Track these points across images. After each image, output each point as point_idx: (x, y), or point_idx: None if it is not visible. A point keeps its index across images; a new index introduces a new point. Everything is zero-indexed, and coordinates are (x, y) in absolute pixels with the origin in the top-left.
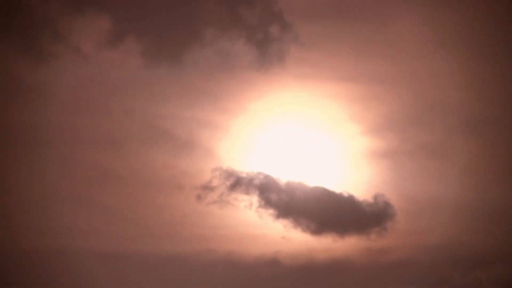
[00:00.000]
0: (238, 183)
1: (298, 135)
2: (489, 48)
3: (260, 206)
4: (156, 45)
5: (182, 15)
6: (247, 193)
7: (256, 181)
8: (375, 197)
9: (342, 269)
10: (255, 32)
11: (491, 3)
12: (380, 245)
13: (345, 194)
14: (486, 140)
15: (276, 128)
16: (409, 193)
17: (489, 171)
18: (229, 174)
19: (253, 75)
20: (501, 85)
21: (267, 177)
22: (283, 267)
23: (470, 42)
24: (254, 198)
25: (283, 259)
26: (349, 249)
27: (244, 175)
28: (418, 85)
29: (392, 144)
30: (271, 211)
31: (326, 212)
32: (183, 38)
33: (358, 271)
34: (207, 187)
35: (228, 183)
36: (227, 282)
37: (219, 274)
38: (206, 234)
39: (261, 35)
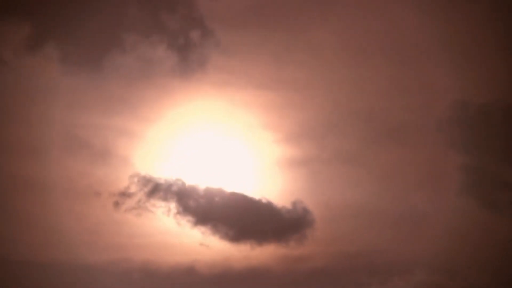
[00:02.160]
0: (156, 189)
1: (216, 143)
2: (408, 54)
3: (178, 212)
4: (76, 51)
5: (102, 21)
6: (165, 199)
7: (174, 188)
8: (294, 203)
9: (260, 277)
10: (176, 37)
11: (409, 10)
12: (298, 252)
13: (264, 201)
14: (404, 147)
15: (194, 135)
16: (327, 200)
17: (406, 178)
18: (147, 180)
19: (173, 82)
20: (419, 93)
21: (185, 183)
22: (200, 276)
23: (388, 49)
24: (172, 205)
25: (200, 268)
26: (267, 257)
27: (162, 181)
28: (335, 92)
29: (309, 152)
30: (189, 217)
31: (245, 218)
32: (103, 44)
33: (276, 279)
34: (125, 194)
35: (146, 189)
36: None
37: (135, 283)
38: (123, 243)
39: (182, 41)
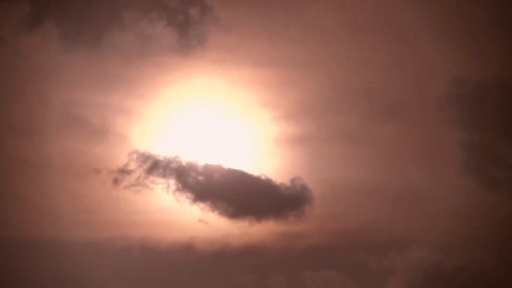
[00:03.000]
0: (155, 166)
1: (215, 120)
2: (406, 32)
3: (177, 189)
4: (75, 28)
5: None
6: (165, 176)
7: (174, 164)
8: (293, 180)
9: (258, 254)
10: (175, 14)
11: None
12: (296, 229)
13: (263, 177)
14: (403, 125)
15: (192, 113)
16: (326, 178)
17: (405, 156)
18: (146, 157)
19: (172, 59)
20: (418, 70)
21: (184, 160)
22: (198, 253)
23: (387, 26)
24: (171, 181)
25: (198, 245)
26: (265, 234)
27: (161, 158)
28: (334, 70)
29: (309, 130)
30: (188, 194)
31: (244, 195)
32: (102, 21)
33: (274, 256)
34: (124, 171)
35: (145, 166)
36: (142, 268)
37: (133, 260)
38: (121, 220)
39: (181, 18)
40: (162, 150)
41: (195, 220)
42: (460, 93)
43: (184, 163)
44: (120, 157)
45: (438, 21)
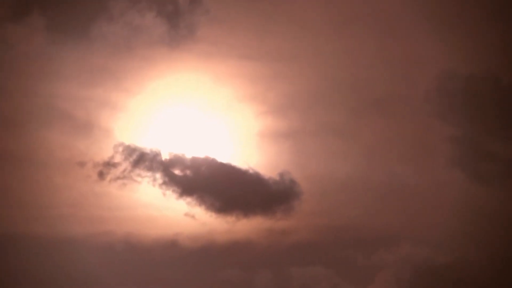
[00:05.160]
0: (141, 159)
1: (201, 114)
2: (394, 24)
3: (163, 183)
4: (62, 18)
5: None
6: (151, 169)
7: (160, 157)
8: (281, 174)
9: (243, 249)
10: (165, 4)
11: None
12: (283, 225)
13: (251, 171)
14: (391, 119)
15: (178, 106)
16: (313, 173)
17: (393, 150)
18: (132, 150)
19: (159, 51)
20: (406, 63)
21: (171, 153)
22: (182, 249)
23: (375, 19)
24: (158, 175)
25: (183, 241)
26: (250, 231)
27: (147, 151)
28: (322, 63)
29: (296, 124)
30: (174, 188)
31: (232, 189)
32: (90, 11)
33: (260, 251)
34: (110, 164)
35: (131, 159)
36: (125, 264)
37: (117, 256)
38: (105, 215)
39: (171, 8)
40: (147, 143)
41: (180, 216)
42: (449, 86)
43: (171, 156)
44: (105, 150)
45: (427, 13)
